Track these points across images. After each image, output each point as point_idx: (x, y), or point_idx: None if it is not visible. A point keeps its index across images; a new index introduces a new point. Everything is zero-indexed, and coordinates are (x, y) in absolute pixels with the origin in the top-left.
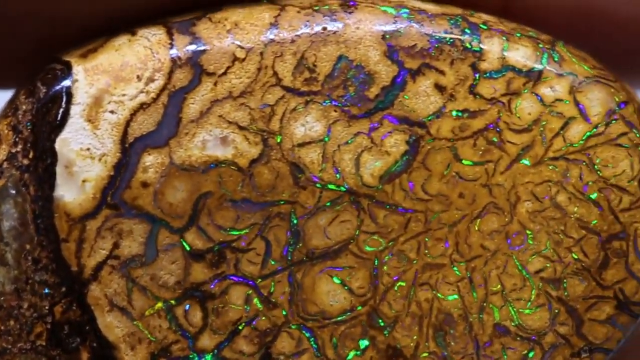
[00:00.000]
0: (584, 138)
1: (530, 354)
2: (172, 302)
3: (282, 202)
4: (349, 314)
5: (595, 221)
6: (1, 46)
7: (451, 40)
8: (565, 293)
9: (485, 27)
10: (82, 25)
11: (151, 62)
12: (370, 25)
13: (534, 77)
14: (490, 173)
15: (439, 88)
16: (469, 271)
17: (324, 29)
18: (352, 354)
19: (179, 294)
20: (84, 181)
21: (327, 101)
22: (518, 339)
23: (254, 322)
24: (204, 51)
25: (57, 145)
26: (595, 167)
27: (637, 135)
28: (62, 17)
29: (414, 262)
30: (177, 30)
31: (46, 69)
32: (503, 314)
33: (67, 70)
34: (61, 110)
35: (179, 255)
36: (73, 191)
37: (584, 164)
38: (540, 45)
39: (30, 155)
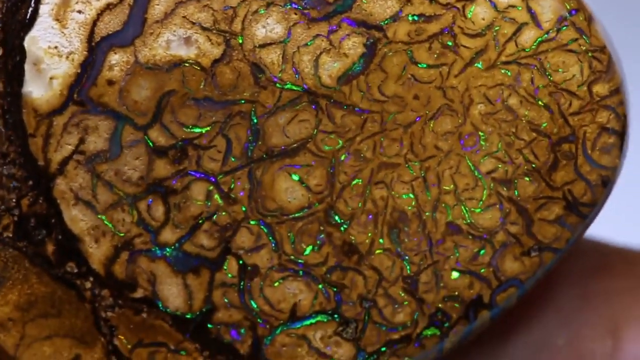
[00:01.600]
0: (535, 43)
1: (482, 252)
2: (136, 196)
3: (242, 101)
4: (306, 210)
5: (546, 124)
6: None
7: None
8: (516, 193)
9: None
10: None
11: None
12: None
13: None
14: (444, 76)
15: None
16: (423, 171)
17: None
18: (309, 249)
19: (142, 189)
20: (51, 78)
21: (287, 4)
22: (470, 237)
23: (214, 217)
24: None
25: (26, 43)
26: (546, 71)
27: (587, 41)
28: None
29: (370, 161)
30: None
31: None
32: (455, 213)
33: None
34: (30, 9)
35: (143, 151)
36: (41, 88)
37: (535, 68)
38: None
39: (0, 53)
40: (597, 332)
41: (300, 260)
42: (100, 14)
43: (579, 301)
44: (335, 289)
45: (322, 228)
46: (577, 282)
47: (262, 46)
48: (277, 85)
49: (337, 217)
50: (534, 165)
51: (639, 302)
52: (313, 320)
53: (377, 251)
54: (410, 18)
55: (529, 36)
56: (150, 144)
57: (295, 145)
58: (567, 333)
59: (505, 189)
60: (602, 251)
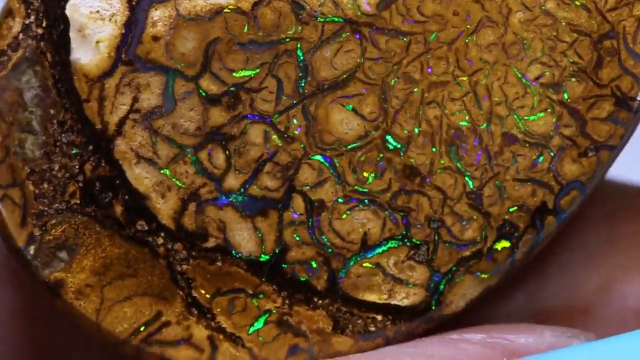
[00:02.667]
0: None
1: (540, 159)
2: (195, 147)
3: (287, 40)
4: (364, 139)
5: (585, 23)
6: None
7: None
8: (565, 96)
9: None
10: None
11: None
12: None
13: None
14: None
15: None
16: (472, 85)
17: None
18: (371, 177)
19: (201, 139)
20: (97, 42)
21: None
22: (527, 145)
23: (275, 158)
24: None
25: (68, 11)
26: None
27: None
28: None
29: (420, 82)
30: None
31: None
32: (509, 123)
33: None
34: None
35: (196, 101)
36: (88, 53)
37: None
38: None
39: (44, 24)
40: (628, 274)
41: (364, 190)
42: None
43: (608, 244)
44: (402, 214)
45: (381, 155)
46: (605, 226)
47: None
48: (319, 19)
49: (394, 142)
50: (579, 66)
51: None
52: (385, 248)
53: (438, 170)
54: None
55: None
56: (203, 93)
57: (344, 76)
58: (598, 277)
59: (554, 92)
60: (629, 193)
